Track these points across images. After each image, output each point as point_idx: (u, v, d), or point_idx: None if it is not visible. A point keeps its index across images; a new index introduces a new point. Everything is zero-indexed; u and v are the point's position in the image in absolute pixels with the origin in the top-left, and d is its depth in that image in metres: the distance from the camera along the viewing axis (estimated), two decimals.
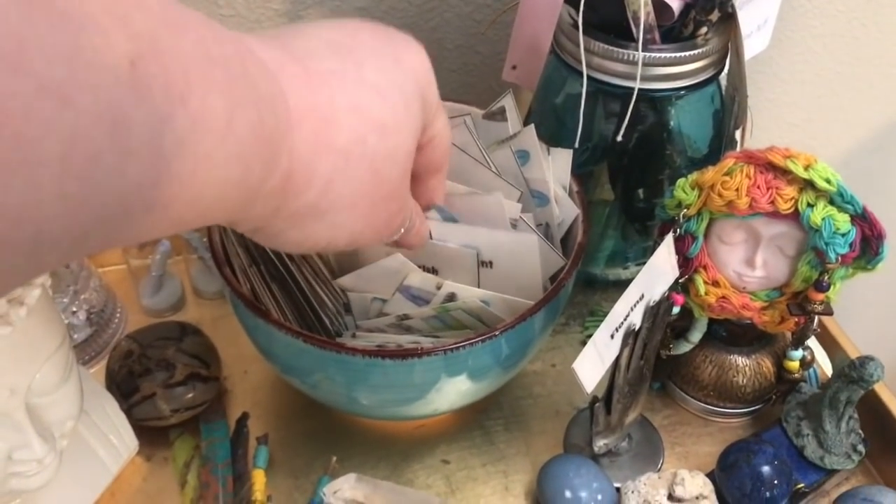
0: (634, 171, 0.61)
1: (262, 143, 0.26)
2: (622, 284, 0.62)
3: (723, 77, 0.60)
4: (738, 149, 0.60)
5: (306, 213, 0.30)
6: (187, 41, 0.22)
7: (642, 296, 0.47)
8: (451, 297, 0.49)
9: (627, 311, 0.46)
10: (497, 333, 0.46)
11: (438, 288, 0.49)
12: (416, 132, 0.33)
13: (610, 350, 0.47)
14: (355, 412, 0.56)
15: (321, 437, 0.57)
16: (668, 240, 0.47)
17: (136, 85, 0.20)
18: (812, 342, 0.61)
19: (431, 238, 0.50)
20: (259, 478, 0.53)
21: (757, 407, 0.58)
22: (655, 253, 0.46)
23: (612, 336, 0.46)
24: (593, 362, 0.46)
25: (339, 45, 0.31)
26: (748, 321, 0.54)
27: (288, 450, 0.57)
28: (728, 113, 0.61)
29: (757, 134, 0.87)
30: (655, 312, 0.49)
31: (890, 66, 0.87)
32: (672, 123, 0.59)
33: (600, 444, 0.54)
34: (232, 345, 0.60)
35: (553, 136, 0.58)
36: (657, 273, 0.48)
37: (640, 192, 0.63)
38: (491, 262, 0.52)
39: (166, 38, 0.21)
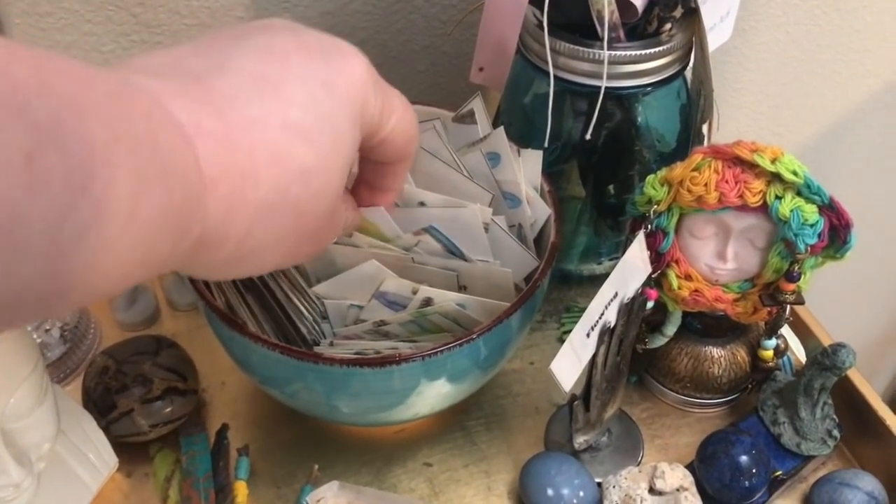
0: (604, 168, 0.61)
1: (171, 219, 0.25)
2: (596, 280, 0.63)
3: (689, 72, 0.60)
4: (706, 142, 0.60)
5: (225, 261, 0.29)
6: (94, 121, 0.21)
7: (616, 294, 0.47)
8: (428, 302, 0.49)
9: (602, 309, 0.47)
10: (475, 336, 0.46)
11: (414, 293, 0.49)
12: (347, 163, 0.32)
13: (586, 348, 0.48)
14: (336, 420, 0.56)
15: (302, 446, 0.57)
16: (640, 237, 0.47)
17: (32, 181, 0.19)
18: (786, 331, 0.62)
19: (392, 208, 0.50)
20: (241, 489, 0.53)
21: (733, 396, 0.59)
22: (627, 251, 0.47)
23: (587, 335, 0.47)
24: (570, 362, 0.46)
25: (265, 80, 0.29)
26: (722, 313, 0.55)
27: (269, 460, 0.57)
28: (695, 107, 0.62)
29: (725, 123, 0.88)
30: (630, 309, 0.49)
31: (852, 51, 0.89)
32: (640, 120, 0.59)
33: (580, 440, 0.54)
34: (208, 356, 0.60)
35: (523, 136, 0.58)
36: (630, 270, 0.48)
37: (611, 188, 0.63)
38: (465, 287, 0.52)
39: (70, 122, 0.20)
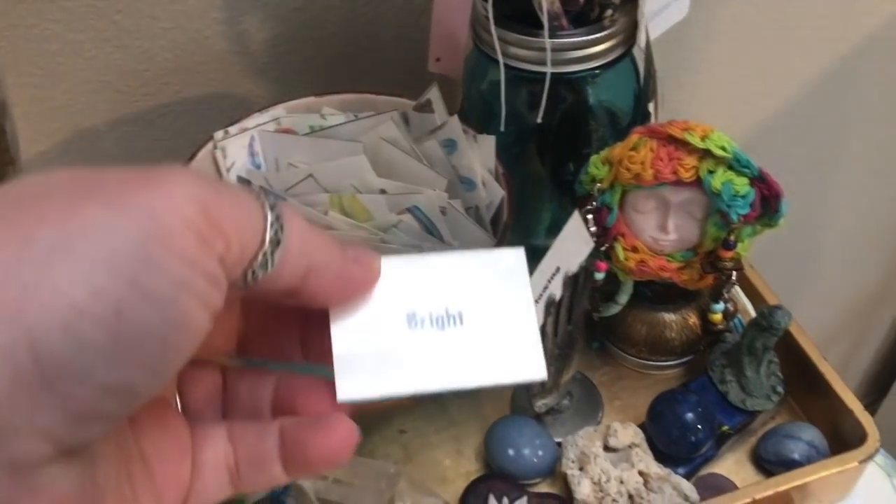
0: (561, 148, 0.65)
1: None
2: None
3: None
4: (654, 120, 0.63)
5: None
6: None
7: (558, 269, 0.51)
8: None
9: (545, 283, 0.51)
10: None
11: None
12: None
13: None
14: None
15: None
16: (575, 215, 0.51)
17: None
18: (739, 294, 0.66)
19: None
20: None
21: (687, 358, 0.63)
22: (563, 230, 0.51)
23: None
24: None
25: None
26: (670, 281, 0.58)
27: None
28: (648, 86, 0.65)
29: (694, 96, 0.91)
30: (575, 281, 0.53)
31: (819, 17, 0.91)
32: (591, 101, 0.62)
33: (540, 404, 0.58)
34: None
35: (483, 122, 0.61)
36: (570, 247, 0.52)
37: (571, 165, 0.66)
38: None
39: None
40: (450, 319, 0.28)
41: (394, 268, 0.28)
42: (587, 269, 0.54)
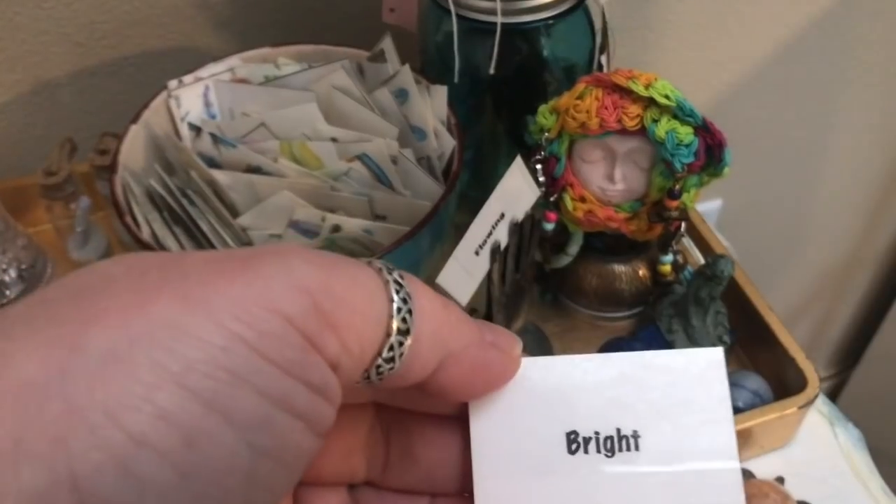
0: (517, 101, 0.65)
1: None
2: None
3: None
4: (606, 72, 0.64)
5: None
6: None
7: (503, 215, 0.52)
8: (337, 229, 0.54)
9: (488, 229, 0.51)
10: (377, 257, 0.51)
11: (323, 220, 0.54)
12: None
13: (478, 266, 0.52)
14: None
15: None
16: (518, 161, 0.51)
17: None
18: (690, 246, 0.67)
19: None
20: None
21: (638, 310, 0.64)
22: (506, 174, 0.51)
23: (476, 253, 0.51)
24: (460, 277, 0.51)
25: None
26: (618, 232, 0.59)
27: None
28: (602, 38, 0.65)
29: (663, 55, 0.91)
30: (521, 229, 0.54)
31: None
32: (546, 53, 0.63)
33: None
34: None
35: (439, 73, 0.62)
36: (515, 193, 0.52)
37: (528, 118, 0.67)
38: (385, 217, 0.57)
39: None
40: (622, 442, 0.22)
41: (549, 369, 0.24)
42: (534, 218, 0.55)
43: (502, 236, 0.53)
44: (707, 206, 1.08)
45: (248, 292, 0.17)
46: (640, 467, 0.22)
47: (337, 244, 0.55)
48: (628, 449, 0.22)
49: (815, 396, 0.55)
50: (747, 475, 0.57)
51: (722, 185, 1.07)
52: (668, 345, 0.59)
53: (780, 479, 0.56)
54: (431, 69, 0.64)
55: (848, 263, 1.32)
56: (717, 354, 0.23)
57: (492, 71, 0.60)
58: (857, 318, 1.42)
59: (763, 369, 0.61)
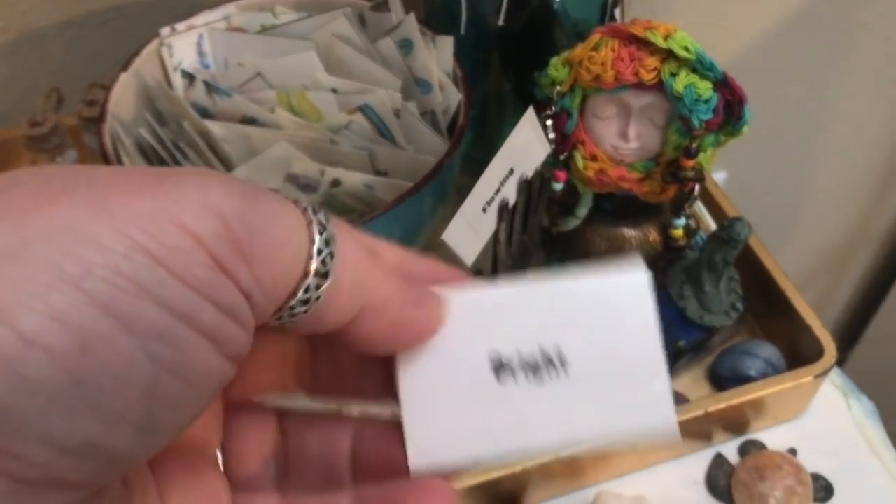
0: (525, 57, 0.62)
1: None
2: None
3: None
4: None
5: None
6: None
7: (512, 171, 0.49)
8: (336, 183, 0.52)
9: (496, 185, 0.49)
10: (377, 214, 0.49)
11: (322, 174, 0.51)
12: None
13: (484, 224, 0.50)
14: None
15: None
16: (529, 113, 0.49)
17: None
18: (702, 210, 0.64)
19: None
20: None
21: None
22: (517, 127, 0.49)
23: (483, 210, 0.49)
24: (465, 234, 0.48)
25: None
26: (631, 193, 0.57)
27: None
28: None
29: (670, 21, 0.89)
30: (530, 187, 0.51)
31: None
32: (556, 6, 0.60)
33: None
34: None
35: (444, 25, 0.59)
36: (525, 147, 0.50)
37: (536, 75, 0.64)
38: (387, 172, 0.54)
39: None
40: (547, 364, 0.22)
41: (471, 301, 0.23)
42: (543, 176, 0.52)
43: (510, 193, 0.50)
44: (713, 177, 1.06)
45: (157, 205, 0.16)
46: (567, 390, 0.22)
47: (337, 199, 0.52)
48: (556, 374, 0.22)
49: (832, 365, 0.53)
50: (759, 446, 0.55)
51: (727, 158, 1.04)
52: (679, 312, 0.57)
53: (793, 451, 0.54)
54: (436, 20, 0.61)
55: (849, 243, 1.30)
56: (641, 281, 0.24)
57: (500, 22, 0.57)
58: (856, 297, 1.40)
59: (776, 339, 0.58)
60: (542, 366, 0.22)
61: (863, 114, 1.09)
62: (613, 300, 0.23)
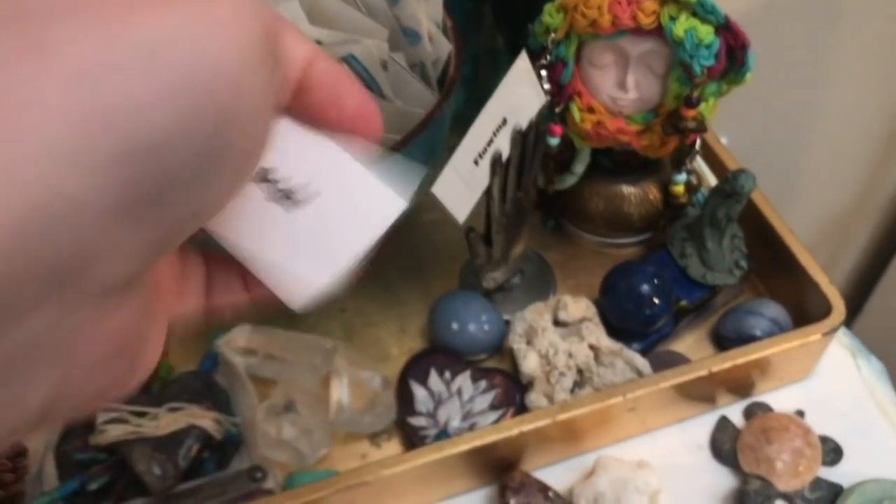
0: (518, 7, 0.60)
1: None
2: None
3: None
4: None
5: None
6: None
7: (505, 120, 0.47)
8: None
9: (489, 135, 0.46)
10: None
11: None
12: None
13: (476, 178, 0.47)
14: None
15: None
16: (523, 56, 0.46)
17: None
18: (702, 166, 0.62)
19: None
20: None
21: (647, 235, 0.59)
22: (508, 74, 0.46)
23: (476, 162, 0.46)
24: (456, 188, 0.46)
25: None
26: (630, 148, 0.54)
27: None
28: None
29: None
30: (525, 140, 0.49)
31: None
32: None
33: (488, 278, 0.54)
34: None
35: None
36: (518, 96, 0.47)
37: (530, 27, 0.62)
38: None
39: None
40: (295, 196, 0.25)
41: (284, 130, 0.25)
42: (538, 128, 0.50)
43: (504, 145, 0.48)
44: None
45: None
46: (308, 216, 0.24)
47: None
48: (299, 203, 0.24)
49: (841, 323, 0.51)
50: (765, 409, 0.53)
51: (728, 122, 1.02)
52: (681, 270, 0.55)
53: (801, 413, 0.52)
54: None
55: (855, 207, 1.28)
56: (396, 205, 0.24)
57: None
58: (863, 262, 1.38)
59: (781, 297, 0.56)
60: (290, 192, 0.24)
61: (865, 75, 1.07)
62: (366, 193, 0.25)
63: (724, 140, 1.04)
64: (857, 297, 1.37)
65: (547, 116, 0.53)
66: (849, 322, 1.26)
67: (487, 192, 0.49)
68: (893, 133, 1.17)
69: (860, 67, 1.06)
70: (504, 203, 0.51)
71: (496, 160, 0.48)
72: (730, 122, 1.02)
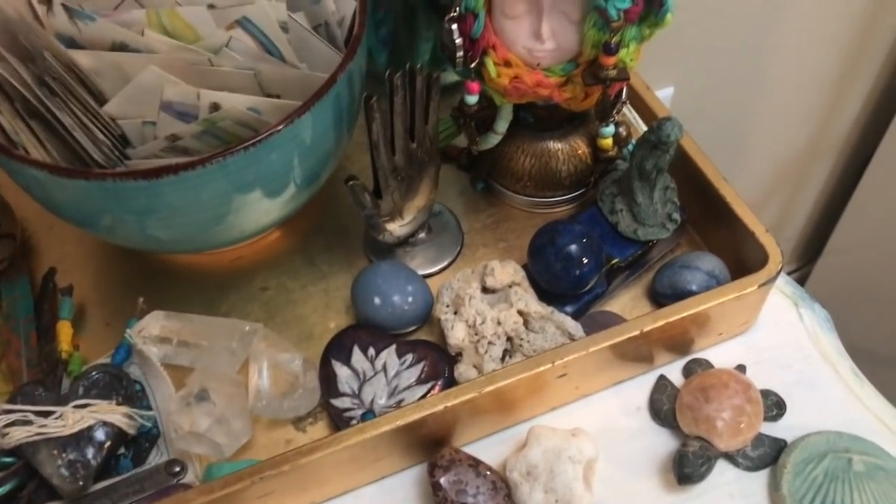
0: None
1: None
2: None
3: None
4: None
5: None
6: None
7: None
8: (216, 107, 0.46)
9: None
10: (262, 138, 0.43)
11: (198, 98, 0.46)
12: None
13: None
14: (163, 250, 0.54)
15: (135, 283, 0.55)
16: None
17: None
18: (634, 119, 0.59)
19: None
20: (64, 329, 0.51)
21: (578, 192, 0.57)
22: None
23: None
24: None
25: None
26: (551, 102, 0.52)
27: (100, 298, 0.54)
28: None
29: None
30: (411, 86, 0.46)
31: None
32: None
33: (386, 233, 0.52)
34: (32, 201, 0.56)
35: None
36: None
37: None
38: (279, 95, 0.48)
39: None
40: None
41: None
42: (430, 74, 0.47)
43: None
44: (658, 94, 1.00)
45: None
46: None
47: (219, 127, 0.47)
48: None
49: (778, 272, 0.49)
50: (704, 366, 0.51)
51: (673, 70, 0.99)
52: (612, 227, 0.53)
53: (742, 368, 0.51)
54: None
55: (805, 156, 1.26)
56: None
57: None
58: (816, 211, 1.37)
59: (718, 250, 0.54)
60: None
61: (817, 11, 1.04)
62: None
63: (669, 89, 1.01)
64: (818, 241, 1.36)
65: (462, 73, 0.50)
66: (808, 268, 1.23)
67: (369, 140, 0.47)
68: (846, 71, 1.14)
69: (811, 3, 1.03)
70: (393, 153, 0.48)
71: (369, 104, 0.45)
72: (675, 70, 1.00)
